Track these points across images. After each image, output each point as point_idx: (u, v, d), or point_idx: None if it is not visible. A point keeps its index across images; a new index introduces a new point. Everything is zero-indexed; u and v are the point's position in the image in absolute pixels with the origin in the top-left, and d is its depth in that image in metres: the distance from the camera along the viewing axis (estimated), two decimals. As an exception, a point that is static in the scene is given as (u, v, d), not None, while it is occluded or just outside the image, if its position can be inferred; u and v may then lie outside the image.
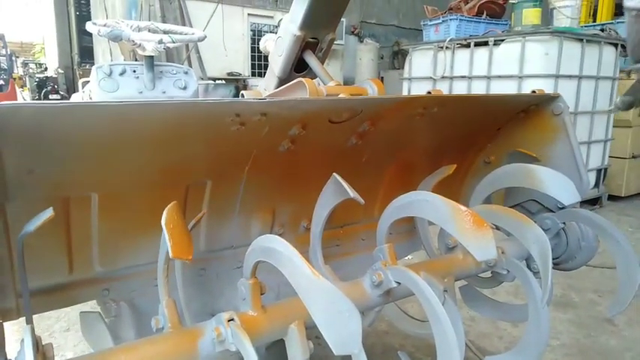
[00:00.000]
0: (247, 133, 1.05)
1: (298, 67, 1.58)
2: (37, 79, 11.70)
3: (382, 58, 9.01)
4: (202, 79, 6.51)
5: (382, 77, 8.46)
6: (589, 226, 1.36)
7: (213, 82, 6.61)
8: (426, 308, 1.01)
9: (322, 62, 1.55)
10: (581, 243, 1.48)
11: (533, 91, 1.47)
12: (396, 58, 9.23)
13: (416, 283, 1.02)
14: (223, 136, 1.04)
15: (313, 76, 1.54)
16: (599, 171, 5.17)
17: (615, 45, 4.69)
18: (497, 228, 1.74)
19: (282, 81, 1.56)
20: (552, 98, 1.49)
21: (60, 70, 11.38)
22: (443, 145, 1.59)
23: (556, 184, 1.19)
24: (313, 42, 1.54)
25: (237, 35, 7.21)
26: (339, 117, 1.16)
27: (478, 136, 1.64)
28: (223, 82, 6.91)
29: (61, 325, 2.72)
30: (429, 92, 1.23)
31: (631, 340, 2.61)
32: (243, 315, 0.95)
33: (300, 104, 1.00)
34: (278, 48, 1.58)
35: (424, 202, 1.05)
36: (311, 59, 1.54)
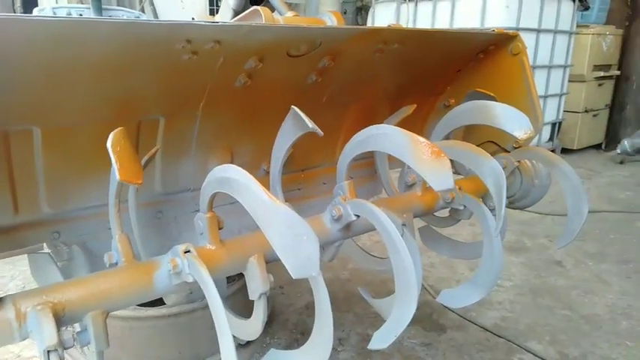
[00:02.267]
0: (200, 64, 1.00)
1: (254, -2, 1.51)
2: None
3: (345, 12, 8.82)
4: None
5: (345, 33, 8.30)
6: (542, 162, 1.40)
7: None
8: (385, 239, 1.02)
9: (280, -8, 1.49)
10: (535, 181, 1.53)
11: (493, 30, 1.47)
12: (359, 14, 9.06)
13: (375, 215, 1.02)
14: (175, 67, 0.98)
15: (270, 8, 1.47)
16: (553, 125, 5.34)
17: (573, -1, 4.76)
18: (456, 172, 1.78)
19: (237, 13, 1.48)
20: (511, 37, 1.49)
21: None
22: (404, 87, 1.57)
23: (511, 120, 1.21)
24: (270, -31, 1.46)
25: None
26: (297, 50, 1.12)
27: (438, 78, 1.64)
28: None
29: (16, 284, 2.64)
30: (389, 25, 1.20)
31: (577, 279, 2.77)
32: (201, 248, 0.93)
33: (256, 31, 0.96)
34: (233, -23, 1.50)
35: (383, 136, 1.05)
36: (267, -12, 1.47)
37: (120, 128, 0.81)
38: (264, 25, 1.05)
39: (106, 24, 0.80)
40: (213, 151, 1.30)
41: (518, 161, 1.50)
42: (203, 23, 0.86)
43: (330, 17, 1.34)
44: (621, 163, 5.46)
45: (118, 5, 4.98)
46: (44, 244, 1.19)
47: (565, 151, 5.73)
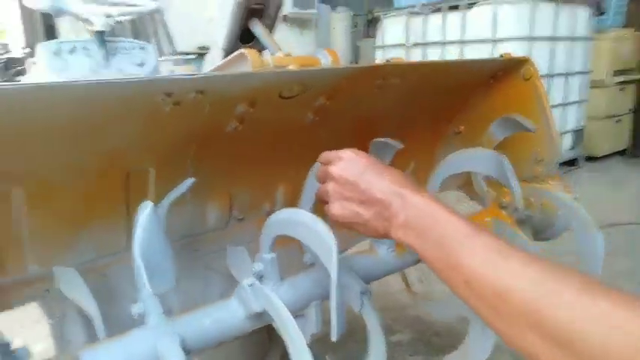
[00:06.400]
0: (185, 114, 0.95)
1: (244, 37, 1.45)
2: (1, 61, 11.14)
3: (356, 26, 8.80)
4: (172, 53, 6.21)
5: (358, 46, 8.31)
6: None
7: (182, 56, 6.32)
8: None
9: (270, 30, 1.43)
10: (558, 212, 1.44)
11: (502, 56, 1.39)
12: (370, 26, 9.02)
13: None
14: (157, 118, 0.93)
15: (261, 46, 1.42)
16: (575, 132, 5.18)
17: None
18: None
19: (227, 53, 1.44)
20: (521, 62, 1.41)
21: (27, 50, 10.83)
22: (410, 117, 1.50)
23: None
24: (259, 8, 1.41)
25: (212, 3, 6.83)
26: (290, 91, 1.06)
27: (446, 106, 1.56)
28: (194, 56, 6.62)
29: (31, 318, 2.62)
30: (388, 61, 1.14)
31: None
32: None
33: (240, 79, 0.90)
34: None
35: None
36: (257, 28, 1.41)
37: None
38: (248, 73, 0.99)
39: (76, 87, 0.75)
40: (210, 196, 1.24)
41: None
42: (182, 77, 0.81)
43: (325, 55, 1.28)
44: (648, 169, 5.26)
45: (134, 34, 5.03)
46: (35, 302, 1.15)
47: (589, 158, 5.54)
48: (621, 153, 5.82)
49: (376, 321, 0.98)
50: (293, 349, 0.80)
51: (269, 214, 1.42)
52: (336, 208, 0.80)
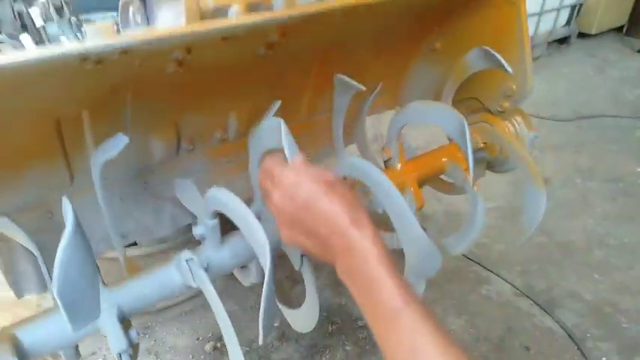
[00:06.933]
0: (111, 70, 0.84)
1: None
2: None
3: None
4: None
5: None
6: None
7: None
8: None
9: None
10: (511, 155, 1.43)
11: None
12: None
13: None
14: (81, 74, 0.83)
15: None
16: (573, 7, 4.87)
17: None
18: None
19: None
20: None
21: None
22: (379, 40, 1.37)
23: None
24: None
25: None
26: (233, 36, 0.94)
27: (422, 23, 1.42)
28: None
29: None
30: (349, -4, 0.98)
31: (561, 200, 2.75)
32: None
33: (168, 38, 0.78)
34: None
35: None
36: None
37: None
38: (175, 32, 0.83)
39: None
40: (153, 127, 1.17)
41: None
42: (94, 46, 0.70)
43: (281, -8, 1.08)
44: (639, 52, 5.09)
45: None
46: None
47: (582, 35, 5.30)
48: (619, 30, 5.55)
49: (312, 279, 1.02)
50: (222, 325, 0.84)
51: (221, 141, 1.38)
52: (282, 235, 0.79)
